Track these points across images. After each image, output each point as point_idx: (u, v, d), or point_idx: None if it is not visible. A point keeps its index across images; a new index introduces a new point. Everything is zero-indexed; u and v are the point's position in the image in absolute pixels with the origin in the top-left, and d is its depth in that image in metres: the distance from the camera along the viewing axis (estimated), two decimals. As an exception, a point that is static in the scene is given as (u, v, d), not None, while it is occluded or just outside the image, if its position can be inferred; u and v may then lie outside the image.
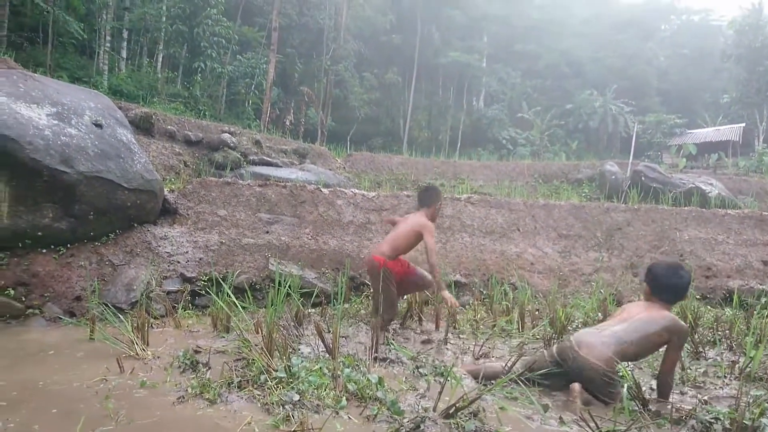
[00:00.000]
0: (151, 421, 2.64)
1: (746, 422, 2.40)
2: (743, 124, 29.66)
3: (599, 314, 5.42)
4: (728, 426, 2.53)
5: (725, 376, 3.72)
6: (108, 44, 19.74)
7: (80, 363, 3.52)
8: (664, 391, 3.15)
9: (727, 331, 4.97)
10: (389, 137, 30.70)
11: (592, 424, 2.59)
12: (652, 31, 43.55)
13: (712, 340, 4.80)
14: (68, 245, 5.18)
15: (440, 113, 33.33)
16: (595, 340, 3.13)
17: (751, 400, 2.75)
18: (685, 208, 8.85)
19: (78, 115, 5.49)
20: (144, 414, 2.72)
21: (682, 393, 3.36)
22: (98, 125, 5.66)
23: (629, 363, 3.30)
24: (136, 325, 3.96)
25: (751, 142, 29.45)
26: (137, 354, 3.64)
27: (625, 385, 2.93)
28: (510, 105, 33.94)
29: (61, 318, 4.61)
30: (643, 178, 11.71)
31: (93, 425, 2.53)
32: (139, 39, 22.06)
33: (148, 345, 3.87)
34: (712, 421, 2.63)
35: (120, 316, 4.18)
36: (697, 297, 6.48)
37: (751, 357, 3.61)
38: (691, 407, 2.89)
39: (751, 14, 33.07)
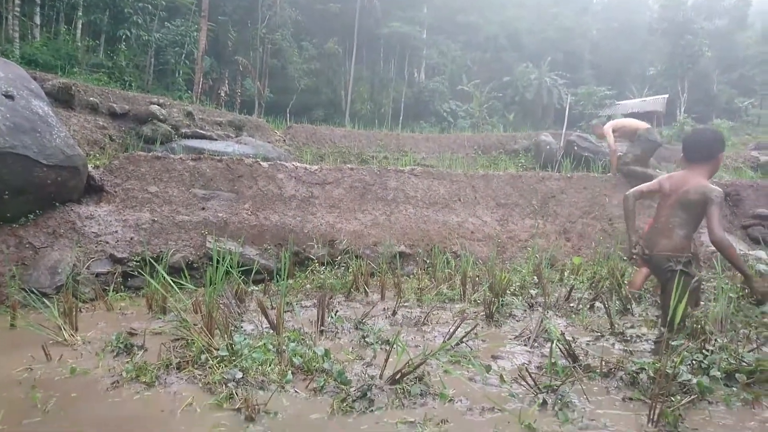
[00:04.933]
0: (85, 409, 2.51)
1: (668, 371, 2.58)
2: (667, 95, 31.50)
3: (534, 278, 5.66)
4: (652, 375, 2.72)
5: (650, 330, 3.99)
6: (18, 9, 17.95)
7: (1, 352, 3.27)
8: (730, 255, 3.05)
9: (652, 289, 5.33)
10: (331, 109, 30.15)
11: (530, 381, 2.71)
12: (586, 4, 44.87)
13: (638, 297, 5.13)
14: (-19, 228, 4.76)
15: (382, 85, 33.07)
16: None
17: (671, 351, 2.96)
18: (614, 175, 9.31)
19: (-17, 85, 4.98)
20: (76, 402, 2.57)
21: (612, 346, 3.58)
22: (9, 96, 5.16)
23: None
24: (63, 309, 3.72)
25: (673, 112, 31.37)
26: (65, 340, 3.43)
27: (554, 341, 3.08)
28: (451, 77, 34.16)
29: (-24, 306, 4.26)
30: (575, 148, 12.16)
31: (18, 417, 2.37)
32: (54, 4, 20.19)
33: (77, 330, 3.66)
34: (638, 371, 2.81)
35: (45, 301, 3.91)
36: (624, 258, 6.89)
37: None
38: (618, 360, 3.09)
39: (673, -11, 34.78)
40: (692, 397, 2.53)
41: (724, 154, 3.51)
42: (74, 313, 3.73)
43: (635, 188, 3.60)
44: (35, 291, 4.29)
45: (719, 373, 2.76)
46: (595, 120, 13.13)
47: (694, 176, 3.26)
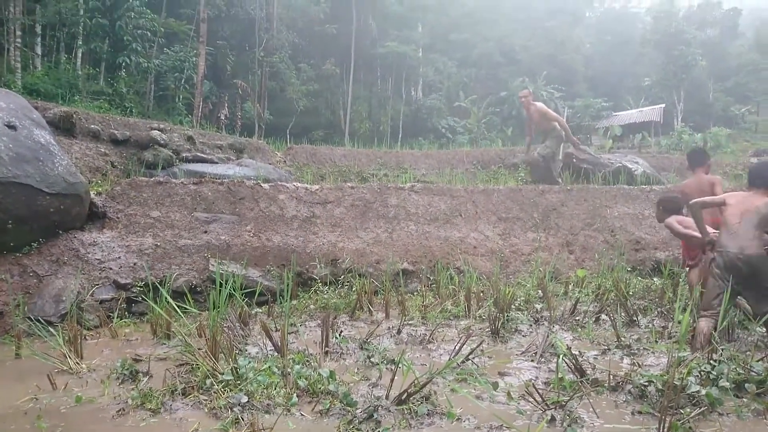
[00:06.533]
0: (89, 438, 2.49)
1: (676, 382, 2.56)
2: (663, 105, 31.68)
3: (539, 291, 5.64)
4: (661, 387, 2.70)
5: (657, 341, 3.97)
6: (19, 40, 18.24)
7: (6, 382, 3.26)
8: None
9: (657, 299, 5.30)
10: (330, 129, 30.35)
11: (538, 397, 2.69)
12: (579, 17, 45.43)
13: (644, 308, 5.11)
14: (-15, 258, 4.78)
15: (380, 104, 33.35)
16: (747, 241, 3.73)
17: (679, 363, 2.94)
18: (614, 186, 9.33)
19: (-13, 117, 5.04)
20: (82, 431, 2.56)
21: (619, 358, 3.56)
22: (11, 127, 5.22)
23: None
24: (67, 337, 3.71)
25: (670, 122, 31.57)
26: (71, 368, 3.42)
27: (561, 356, 3.06)
28: (447, 94, 34.48)
29: (-20, 337, 4.25)
30: (574, 160, 12.18)
31: (23, 449, 2.35)
32: (55, 34, 20.52)
33: (82, 358, 3.65)
34: (647, 384, 2.79)
35: (50, 329, 3.91)
36: (628, 269, 6.87)
37: (679, 322, 3.87)
38: (626, 373, 3.06)
39: (665, 2, 35.32)
40: (702, 409, 2.50)
41: None
42: (79, 340, 3.72)
43: (700, 199, 4.14)
44: (40, 320, 4.29)
45: (728, 383, 2.74)
46: (525, 89, 13.23)
47: (759, 197, 3.90)
